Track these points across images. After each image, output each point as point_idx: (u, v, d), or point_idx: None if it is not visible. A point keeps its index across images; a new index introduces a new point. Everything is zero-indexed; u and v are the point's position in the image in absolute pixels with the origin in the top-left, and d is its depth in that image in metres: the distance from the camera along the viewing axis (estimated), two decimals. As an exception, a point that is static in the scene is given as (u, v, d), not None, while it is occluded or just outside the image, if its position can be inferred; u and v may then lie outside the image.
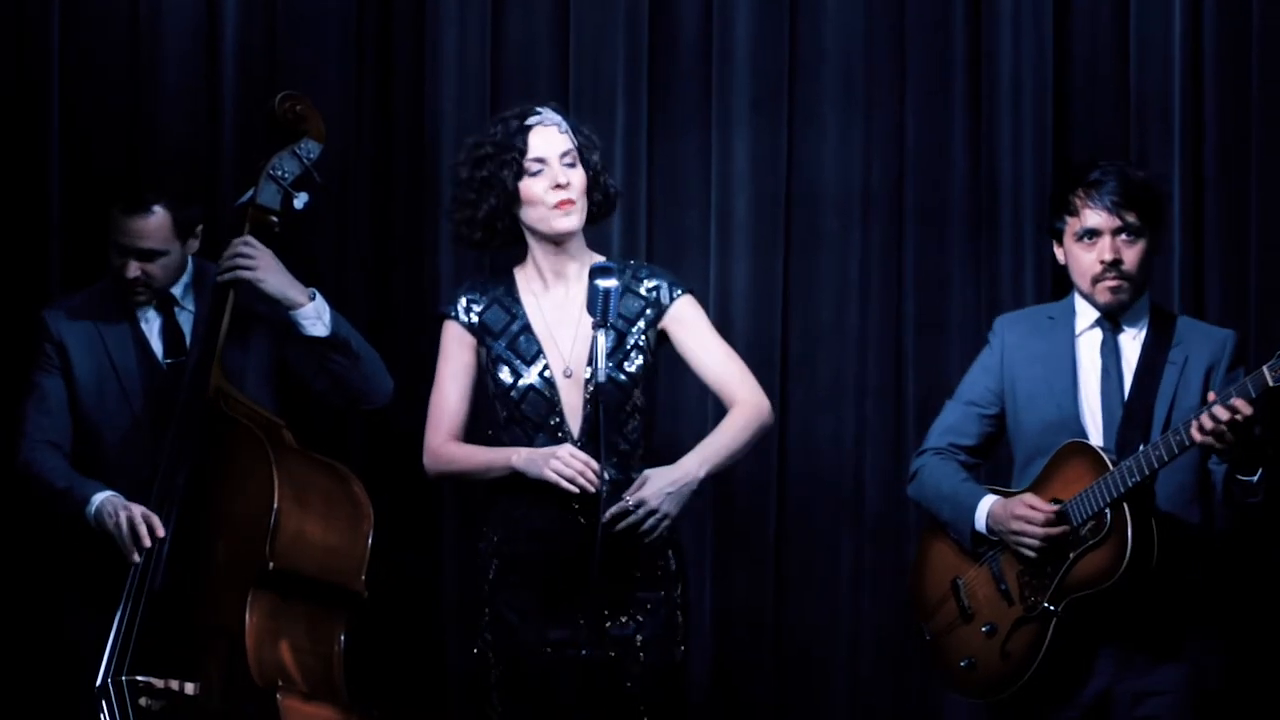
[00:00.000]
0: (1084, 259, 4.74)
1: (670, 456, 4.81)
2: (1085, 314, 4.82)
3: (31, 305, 5.27)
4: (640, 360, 4.77)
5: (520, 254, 4.84)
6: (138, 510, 4.79)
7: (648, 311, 4.80)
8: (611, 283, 4.58)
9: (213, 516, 4.76)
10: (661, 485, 4.65)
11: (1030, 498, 4.70)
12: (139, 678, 4.70)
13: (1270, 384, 4.42)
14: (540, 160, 4.71)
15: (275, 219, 4.96)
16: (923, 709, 5.82)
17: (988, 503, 4.78)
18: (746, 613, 5.88)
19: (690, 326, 4.82)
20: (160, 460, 4.84)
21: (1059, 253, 4.82)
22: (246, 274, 4.88)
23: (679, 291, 4.82)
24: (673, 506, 4.67)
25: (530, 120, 4.72)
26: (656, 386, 4.86)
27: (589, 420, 4.69)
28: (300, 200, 4.96)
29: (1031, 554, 4.68)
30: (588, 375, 4.68)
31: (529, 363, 4.75)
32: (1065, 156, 5.73)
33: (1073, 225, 4.74)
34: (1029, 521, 4.67)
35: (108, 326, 5.06)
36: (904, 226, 5.86)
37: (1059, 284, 5.32)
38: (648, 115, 5.90)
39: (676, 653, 4.75)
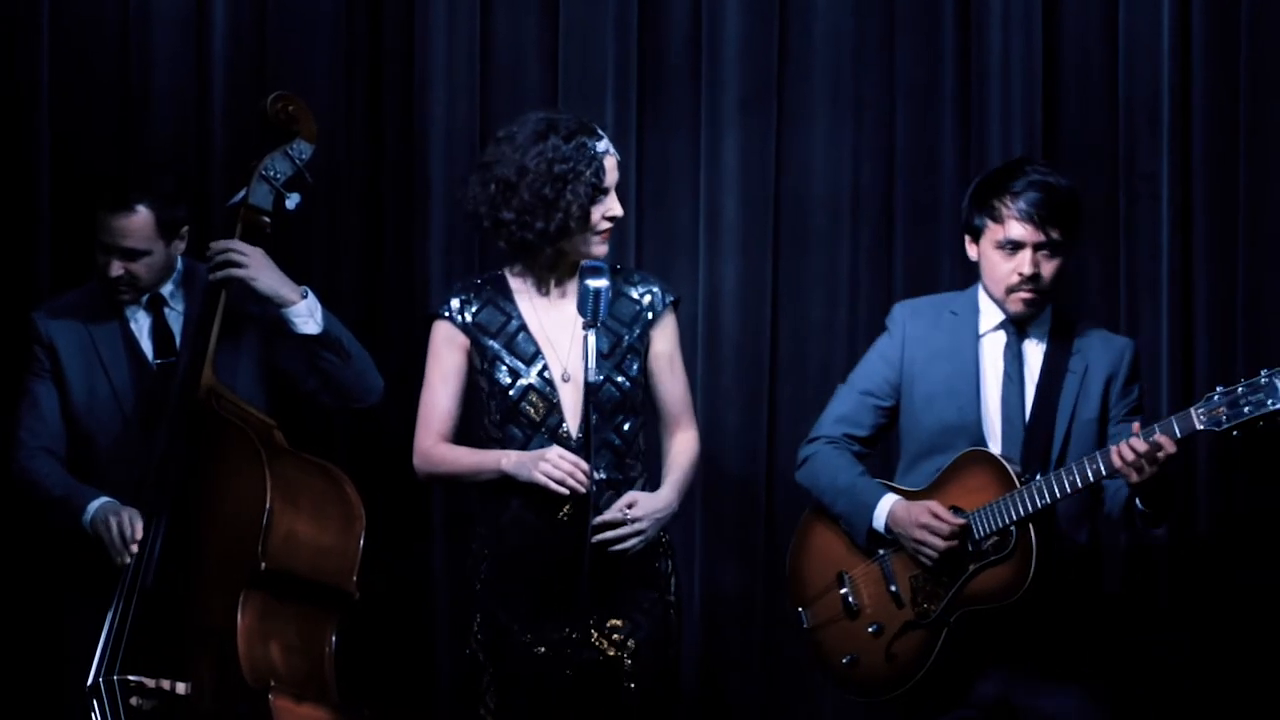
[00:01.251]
0: (1001, 267, 4.71)
1: (661, 453, 4.85)
2: (990, 314, 4.80)
3: (21, 306, 5.26)
4: (637, 363, 4.78)
5: (513, 257, 4.84)
6: (126, 514, 4.79)
7: (645, 315, 4.81)
8: (602, 283, 4.58)
9: (204, 517, 4.76)
10: (651, 510, 4.70)
11: (935, 506, 4.67)
12: (130, 677, 4.70)
13: (1199, 427, 4.43)
14: (607, 191, 4.74)
15: (267, 219, 4.95)
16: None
17: (888, 503, 4.75)
18: (736, 611, 5.88)
19: (667, 340, 4.85)
20: (152, 461, 4.83)
21: (971, 250, 4.79)
22: (239, 272, 4.87)
23: (669, 299, 4.85)
24: (654, 532, 4.73)
25: (601, 147, 4.73)
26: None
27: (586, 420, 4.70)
28: (292, 201, 4.96)
29: (930, 563, 4.67)
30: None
31: (528, 363, 4.75)
32: (1054, 156, 5.72)
33: (994, 231, 4.70)
34: (933, 532, 4.64)
35: (97, 326, 5.05)
36: (893, 226, 5.87)
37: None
38: (637, 115, 5.89)
39: (670, 653, 4.78)
